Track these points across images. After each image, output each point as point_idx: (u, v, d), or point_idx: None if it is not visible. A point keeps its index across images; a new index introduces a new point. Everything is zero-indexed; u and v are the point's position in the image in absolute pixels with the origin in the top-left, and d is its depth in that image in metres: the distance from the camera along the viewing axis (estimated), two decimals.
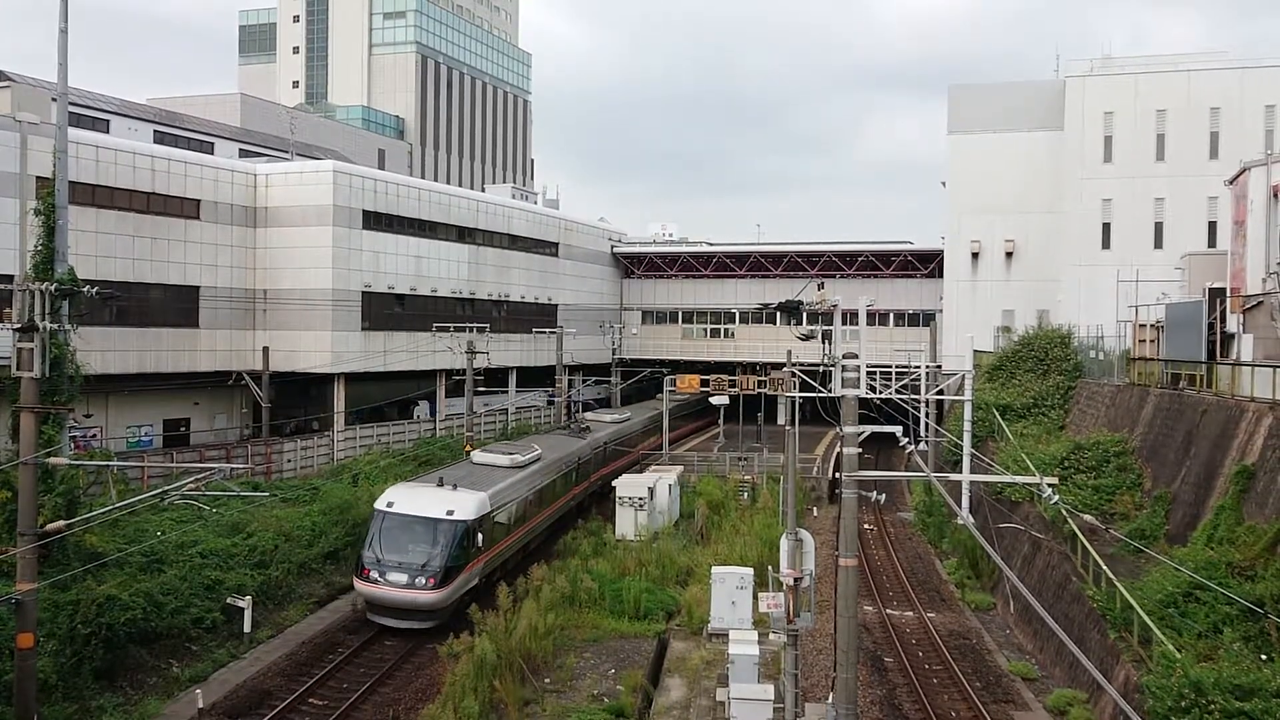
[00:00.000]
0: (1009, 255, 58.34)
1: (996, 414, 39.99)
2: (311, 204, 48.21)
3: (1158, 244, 52.46)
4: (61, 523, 20.66)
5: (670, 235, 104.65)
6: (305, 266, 48.01)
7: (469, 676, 22.76)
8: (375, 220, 50.89)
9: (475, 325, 51.43)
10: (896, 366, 31.71)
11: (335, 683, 25.24)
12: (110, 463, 26.57)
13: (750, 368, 70.91)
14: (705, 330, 76.33)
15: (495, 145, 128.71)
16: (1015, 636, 29.93)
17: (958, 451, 38.30)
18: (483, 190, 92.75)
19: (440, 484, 31.15)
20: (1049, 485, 16.29)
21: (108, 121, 55.06)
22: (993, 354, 51.76)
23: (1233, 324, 31.49)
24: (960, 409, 41.64)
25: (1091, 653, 23.40)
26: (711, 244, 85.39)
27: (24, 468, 19.22)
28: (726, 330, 75.76)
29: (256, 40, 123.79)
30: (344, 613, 30.63)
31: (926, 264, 68.29)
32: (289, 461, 44.94)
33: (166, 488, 22.95)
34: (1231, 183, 36.77)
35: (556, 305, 68.24)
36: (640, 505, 39.08)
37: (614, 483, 41.40)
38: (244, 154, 60.73)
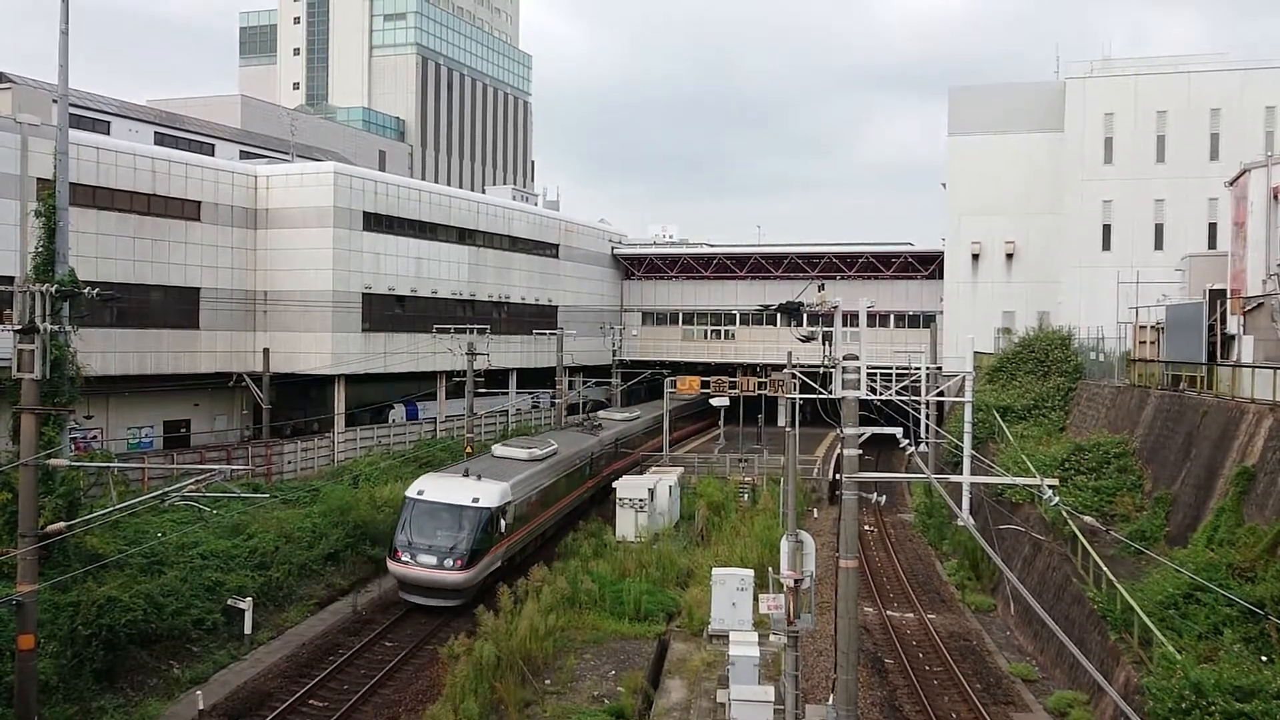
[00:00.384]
0: (1009, 257, 58.39)
1: (997, 415, 39.99)
2: (312, 205, 48.24)
3: (1158, 245, 52.46)
4: (62, 524, 20.67)
5: (670, 237, 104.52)
6: (306, 268, 48.04)
7: (469, 678, 22.81)
8: (376, 222, 50.92)
9: (475, 327, 51.50)
10: (897, 368, 31.67)
11: (336, 684, 25.27)
12: (111, 464, 26.65)
13: (751, 369, 70.89)
14: (705, 332, 76.38)
15: (495, 147, 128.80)
16: (1016, 638, 29.94)
17: (958, 453, 38.13)
18: (483, 192, 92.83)
19: (466, 474, 33.09)
20: (1049, 487, 16.30)
21: (108, 123, 55.06)
22: (993, 355, 51.79)
23: (1233, 325, 31.47)
24: (960, 410, 41.49)
25: (1092, 654, 23.40)
26: (712, 245, 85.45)
27: (24, 469, 19.22)
28: (727, 332, 75.80)
29: (257, 42, 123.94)
30: (345, 614, 30.69)
31: (927, 265, 68.32)
32: (289, 463, 44.94)
33: (167, 489, 22.92)
34: (1232, 184, 36.80)
35: (557, 307, 68.26)
36: (640, 507, 39.10)
37: (614, 484, 41.44)
38: (244, 156, 60.76)
